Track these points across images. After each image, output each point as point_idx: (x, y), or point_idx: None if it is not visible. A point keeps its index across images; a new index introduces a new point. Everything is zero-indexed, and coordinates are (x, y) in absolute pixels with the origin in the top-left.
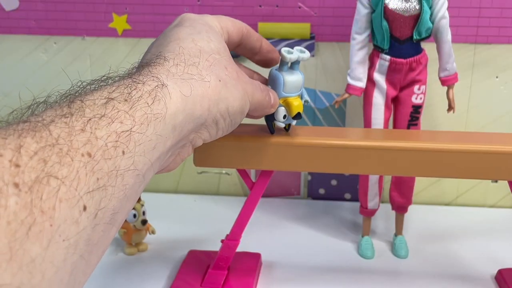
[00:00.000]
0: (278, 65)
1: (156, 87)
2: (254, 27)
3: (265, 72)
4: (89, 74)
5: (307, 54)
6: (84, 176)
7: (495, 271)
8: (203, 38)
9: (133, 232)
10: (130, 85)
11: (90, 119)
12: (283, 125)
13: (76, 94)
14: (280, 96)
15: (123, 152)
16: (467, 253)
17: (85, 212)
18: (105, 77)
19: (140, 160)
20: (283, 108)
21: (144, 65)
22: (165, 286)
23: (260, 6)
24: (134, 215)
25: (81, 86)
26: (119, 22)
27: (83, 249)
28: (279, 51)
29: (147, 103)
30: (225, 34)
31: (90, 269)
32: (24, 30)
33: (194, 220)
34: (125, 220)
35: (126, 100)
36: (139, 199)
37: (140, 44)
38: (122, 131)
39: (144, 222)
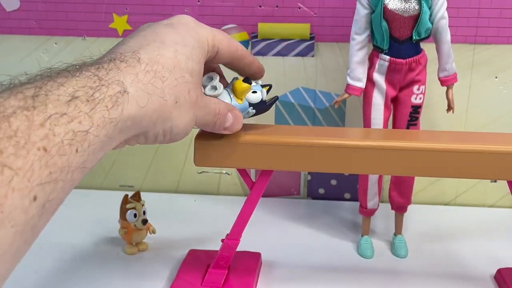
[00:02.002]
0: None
1: (118, 93)
2: (254, 27)
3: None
4: None
5: (258, 95)
6: (38, 169)
7: (495, 271)
8: (185, 53)
9: (134, 231)
10: (95, 86)
11: (51, 116)
12: (264, 94)
13: (44, 82)
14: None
15: (77, 150)
16: (466, 253)
17: (35, 202)
18: (74, 67)
19: (90, 159)
20: (246, 95)
21: (116, 58)
22: (165, 286)
23: (260, 6)
24: (135, 215)
25: (50, 72)
26: (120, 22)
27: (28, 235)
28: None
29: (107, 107)
30: (213, 52)
31: (27, 250)
32: (24, 30)
33: (194, 220)
34: (126, 220)
35: (88, 101)
36: (140, 199)
37: None
38: (79, 131)
39: (145, 221)
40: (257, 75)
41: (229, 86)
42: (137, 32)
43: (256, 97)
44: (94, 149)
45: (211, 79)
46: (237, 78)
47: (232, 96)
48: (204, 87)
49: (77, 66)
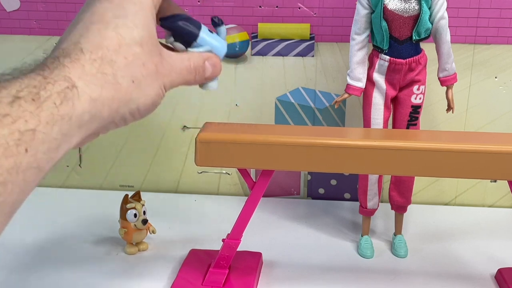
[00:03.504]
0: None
1: (66, 88)
2: (254, 27)
3: None
4: None
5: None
6: None
7: (495, 271)
8: (127, 24)
9: (134, 231)
10: (39, 85)
11: None
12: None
13: None
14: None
15: (26, 150)
16: (466, 253)
17: None
18: (18, 69)
19: (44, 158)
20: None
21: (59, 55)
22: (166, 285)
23: (260, 6)
24: (135, 215)
25: None
26: None
27: None
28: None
29: (55, 104)
30: (159, 2)
31: None
32: (25, 30)
33: (195, 220)
34: (126, 220)
35: (33, 100)
36: (140, 199)
37: None
38: (26, 130)
39: (145, 221)
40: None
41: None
42: (77, 16)
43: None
44: (48, 148)
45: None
46: None
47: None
48: (172, 44)
49: (21, 69)
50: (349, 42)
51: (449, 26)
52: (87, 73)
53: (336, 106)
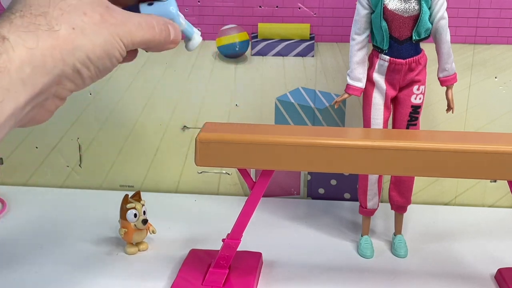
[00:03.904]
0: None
1: None
2: (254, 27)
3: None
4: None
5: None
6: None
7: (495, 271)
8: None
9: (134, 231)
10: None
11: None
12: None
13: None
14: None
15: None
16: (466, 253)
17: None
18: None
19: None
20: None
21: None
22: (166, 285)
23: (260, 6)
24: (135, 215)
25: None
26: None
27: None
28: None
29: None
30: None
31: None
32: None
33: (195, 220)
34: (126, 220)
35: None
36: (140, 199)
37: None
38: None
39: (145, 221)
40: None
41: None
42: None
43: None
44: None
45: None
46: None
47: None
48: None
49: None
50: (349, 42)
51: (449, 26)
52: (18, 26)
53: (336, 106)
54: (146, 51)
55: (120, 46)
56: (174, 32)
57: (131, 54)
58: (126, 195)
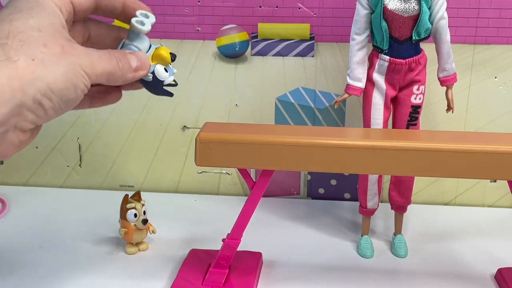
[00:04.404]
0: (127, 38)
1: None
2: (254, 27)
3: None
4: None
5: (152, 17)
6: None
7: (495, 270)
8: (22, 16)
9: (134, 231)
10: None
11: None
12: (172, 79)
13: None
14: None
15: None
16: (466, 253)
17: None
18: None
19: None
20: (157, 65)
21: None
22: (166, 285)
23: (260, 6)
24: (135, 215)
25: None
26: (120, 22)
27: None
28: (130, 23)
29: None
30: (66, 6)
31: None
32: None
33: (195, 220)
34: (126, 220)
35: None
36: (140, 199)
37: None
38: None
39: (145, 221)
40: (138, 9)
41: (150, 49)
42: None
43: (162, 74)
44: None
45: (123, 43)
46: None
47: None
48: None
49: None
50: (349, 42)
51: (449, 26)
52: None
53: (336, 106)
54: (119, 87)
55: (83, 76)
56: (136, 60)
57: (115, 95)
58: (126, 195)
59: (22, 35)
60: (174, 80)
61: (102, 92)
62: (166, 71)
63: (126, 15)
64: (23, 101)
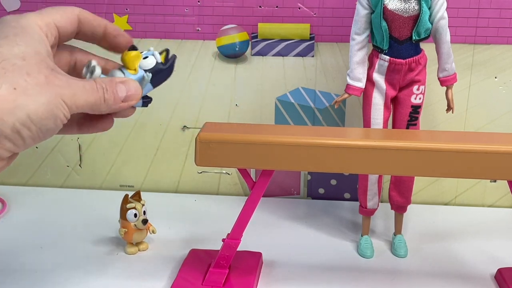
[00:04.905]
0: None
1: None
2: (254, 27)
3: None
4: None
5: (151, 59)
6: None
7: (495, 270)
8: (7, 43)
9: (134, 231)
10: None
11: None
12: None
13: None
14: None
15: None
16: (466, 253)
17: None
18: None
19: None
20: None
21: None
22: (166, 285)
23: (260, 6)
24: (135, 215)
25: None
26: (120, 22)
27: None
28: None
29: None
30: (51, 30)
31: None
32: None
33: (195, 220)
34: (126, 220)
35: None
36: (140, 199)
37: (141, 44)
38: None
39: (145, 221)
40: (118, 38)
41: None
42: None
43: (149, 62)
44: None
45: (88, 66)
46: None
47: (125, 71)
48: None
49: None
50: (349, 42)
51: (449, 26)
52: None
53: (336, 106)
54: (112, 115)
55: (63, 107)
56: (125, 90)
57: (106, 122)
58: (126, 195)
59: (5, 63)
60: (166, 55)
61: (90, 119)
62: (147, 57)
63: (108, 42)
64: (1, 129)
